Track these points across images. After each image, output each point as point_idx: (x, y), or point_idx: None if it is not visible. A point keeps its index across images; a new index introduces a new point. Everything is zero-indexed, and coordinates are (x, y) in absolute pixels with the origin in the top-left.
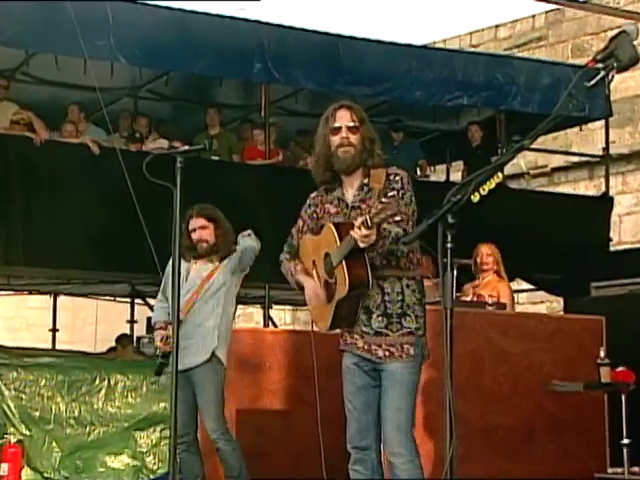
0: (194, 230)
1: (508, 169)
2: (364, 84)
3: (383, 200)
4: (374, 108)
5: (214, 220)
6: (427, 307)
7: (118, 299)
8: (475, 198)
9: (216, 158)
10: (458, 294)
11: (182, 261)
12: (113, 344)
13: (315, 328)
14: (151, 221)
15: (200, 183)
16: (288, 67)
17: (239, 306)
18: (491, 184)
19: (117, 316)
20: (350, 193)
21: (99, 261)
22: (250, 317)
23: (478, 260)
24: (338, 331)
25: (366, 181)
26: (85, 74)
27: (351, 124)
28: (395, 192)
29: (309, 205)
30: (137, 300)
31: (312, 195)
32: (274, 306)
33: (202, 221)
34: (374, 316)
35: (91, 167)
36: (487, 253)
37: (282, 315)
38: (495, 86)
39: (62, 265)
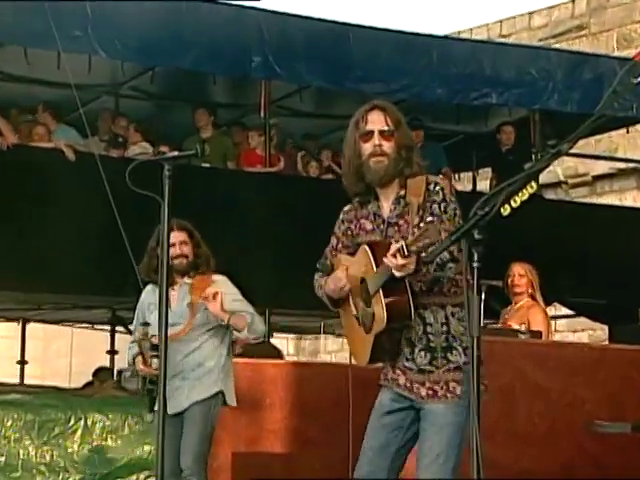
0: (173, 245)
1: (544, 177)
2: (378, 80)
3: (422, 225)
4: None
5: (194, 237)
6: None
7: (96, 326)
8: (505, 211)
9: (208, 165)
10: (489, 321)
11: (155, 288)
12: (90, 378)
13: (353, 361)
14: (135, 237)
15: (191, 193)
16: (291, 61)
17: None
18: (524, 195)
19: (95, 346)
20: (386, 207)
21: (75, 283)
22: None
23: (509, 282)
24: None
25: (402, 193)
26: (59, 70)
27: (385, 128)
28: (436, 206)
29: (342, 221)
30: (118, 328)
31: (345, 209)
32: (275, 334)
33: (184, 235)
34: (417, 350)
35: (66, 175)
36: (520, 274)
37: (284, 344)
38: (529, 82)
39: (32, 288)
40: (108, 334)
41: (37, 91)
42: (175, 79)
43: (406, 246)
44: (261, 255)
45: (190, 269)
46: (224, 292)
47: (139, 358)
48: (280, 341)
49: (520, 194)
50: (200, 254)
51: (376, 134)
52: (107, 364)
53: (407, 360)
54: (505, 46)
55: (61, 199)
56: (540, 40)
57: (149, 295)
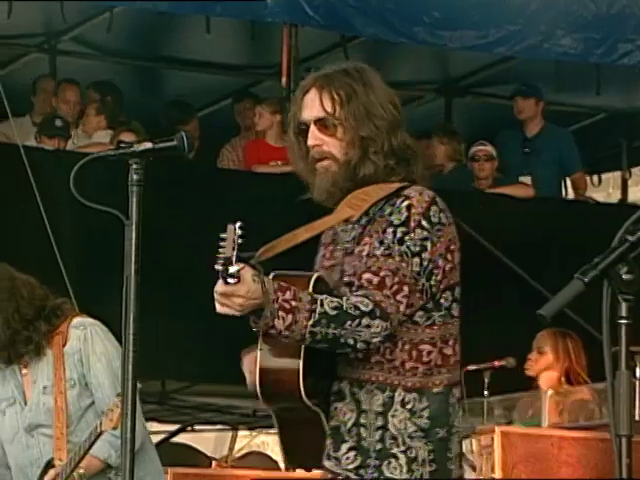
0: None
1: None
2: (467, 27)
3: (222, 236)
4: (485, 70)
5: None
6: (583, 434)
7: None
8: None
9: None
10: None
11: (4, 371)
12: None
13: None
14: (84, 271)
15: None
16: None
17: (240, 433)
18: None
19: None
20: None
21: None
22: (262, 450)
23: None
24: None
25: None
26: None
27: (320, 115)
28: (391, 231)
29: (320, 245)
30: None
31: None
32: None
33: None
34: (345, 447)
35: None
36: None
37: None
38: None
39: None
40: None
41: None
42: (146, 27)
43: (225, 263)
44: None
45: (1, 350)
46: (82, 355)
47: None
48: None
49: None
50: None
51: (311, 127)
52: None
53: (329, 458)
54: None
55: None
56: None
57: None
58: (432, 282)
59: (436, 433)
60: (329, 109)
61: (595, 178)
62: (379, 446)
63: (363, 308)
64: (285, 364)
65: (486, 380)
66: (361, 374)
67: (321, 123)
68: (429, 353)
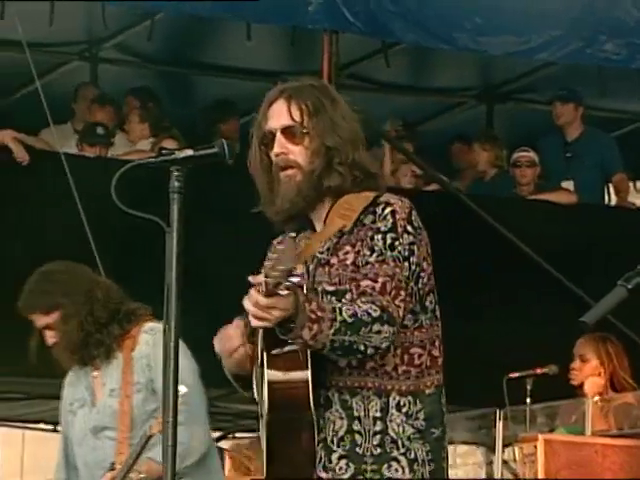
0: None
1: None
2: (508, 33)
3: (278, 247)
4: (526, 76)
5: (56, 306)
6: (626, 442)
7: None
8: None
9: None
10: None
11: (77, 372)
12: None
13: None
14: (127, 280)
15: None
16: (371, 4)
17: None
18: None
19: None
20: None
21: (25, 359)
22: None
23: None
24: None
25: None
26: (3, 20)
27: (288, 124)
28: (380, 237)
29: (269, 259)
30: None
31: (275, 242)
32: None
33: (40, 319)
34: (334, 457)
35: (13, 187)
36: None
37: None
38: None
39: None
40: None
41: None
42: (186, 35)
43: (265, 280)
44: None
45: (74, 352)
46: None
47: None
48: None
49: None
50: (65, 330)
51: (278, 135)
52: None
53: (325, 469)
54: None
55: (10, 224)
56: None
57: (70, 389)
58: (419, 285)
59: (432, 433)
60: (297, 118)
61: (639, 184)
62: (378, 451)
63: (373, 314)
64: (293, 376)
65: (528, 387)
66: (354, 381)
67: (288, 131)
68: (420, 356)
